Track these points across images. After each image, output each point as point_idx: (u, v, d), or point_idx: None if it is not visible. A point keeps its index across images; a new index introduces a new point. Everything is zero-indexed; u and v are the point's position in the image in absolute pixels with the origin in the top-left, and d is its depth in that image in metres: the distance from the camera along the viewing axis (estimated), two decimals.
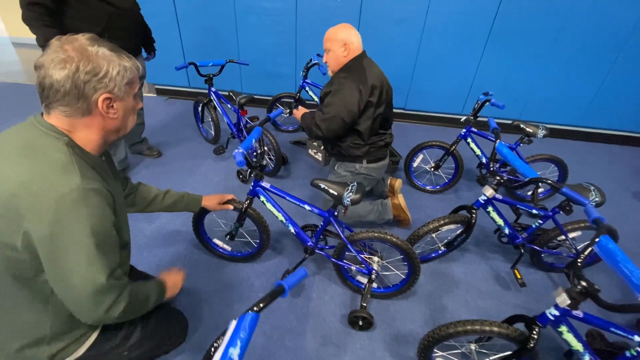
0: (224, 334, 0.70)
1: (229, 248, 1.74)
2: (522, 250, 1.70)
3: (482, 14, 2.98)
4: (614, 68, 3.05)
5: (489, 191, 1.48)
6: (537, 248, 1.70)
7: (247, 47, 3.43)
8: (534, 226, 1.68)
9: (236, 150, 1.21)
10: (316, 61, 2.79)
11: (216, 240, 1.73)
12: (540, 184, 1.33)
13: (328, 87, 1.69)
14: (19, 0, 1.57)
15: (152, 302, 0.97)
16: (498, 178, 1.45)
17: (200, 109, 2.79)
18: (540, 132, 2.06)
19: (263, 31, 3.30)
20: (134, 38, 2.06)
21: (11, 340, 0.83)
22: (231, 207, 1.49)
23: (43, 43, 1.59)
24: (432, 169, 2.39)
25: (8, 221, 0.69)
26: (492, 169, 1.50)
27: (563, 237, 1.64)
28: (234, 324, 0.69)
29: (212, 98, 2.61)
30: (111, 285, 0.77)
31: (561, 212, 1.56)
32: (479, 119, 2.21)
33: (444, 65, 3.27)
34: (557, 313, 1.02)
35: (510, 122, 2.12)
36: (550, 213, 1.59)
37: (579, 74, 3.11)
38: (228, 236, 1.64)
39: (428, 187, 2.43)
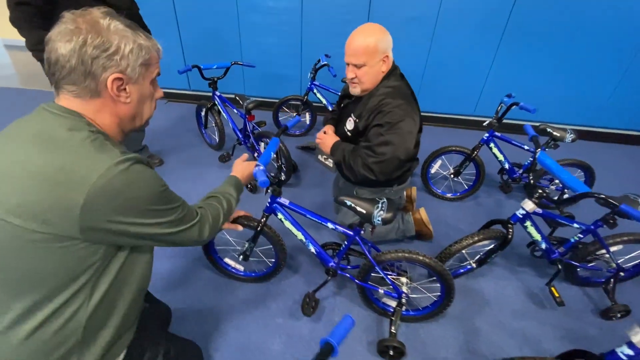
0: None
1: (241, 268, 1.59)
2: (560, 266, 1.57)
3: (496, 11, 2.85)
4: (632, 66, 2.93)
5: (529, 205, 1.35)
6: (574, 263, 1.58)
7: (250, 48, 3.29)
8: (572, 240, 1.55)
9: (256, 168, 1.07)
10: (325, 62, 2.65)
11: (227, 260, 1.59)
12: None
13: (372, 114, 1.34)
14: (6, 0, 1.43)
15: (236, 198, 1.08)
16: (540, 191, 1.31)
17: (203, 113, 2.64)
18: (569, 137, 1.94)
19: (267, 31, 3.16)
20: None
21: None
22: (240, 227, 1.34)
23: (32, 47, 1.45)
24: (452, 176, 2.26)
25: (59, 212, 0.61)
26: (531, 181, 1.36)
27: (603, 251, 1.52)
28: None
29: (216, 102, 2.46)
30: (184, 229, 0.82)
31: (604, 225, 1.44)
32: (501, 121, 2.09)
33: (456, 65, 3.14)
34: (631, 353, 0.89)
35: (539, 124, 1.99)
36: (592, 227, 1.46)
37: (596, 72, 2.99)
38: (241, 256, 1.50)
39: (448, 195, 2.30)
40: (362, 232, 1.29)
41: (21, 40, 5.14)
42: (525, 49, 2.98)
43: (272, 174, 1.25)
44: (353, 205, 1.19)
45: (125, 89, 0.71)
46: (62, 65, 0.64)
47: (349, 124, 1.50)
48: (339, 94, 1.79)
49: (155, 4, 3.08)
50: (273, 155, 1.21)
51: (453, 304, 1.56)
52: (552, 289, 1.58)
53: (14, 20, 1.45)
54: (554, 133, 1.94)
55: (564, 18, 2.78)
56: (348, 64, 1.38)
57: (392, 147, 1.28)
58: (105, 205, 0.63)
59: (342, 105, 1.68)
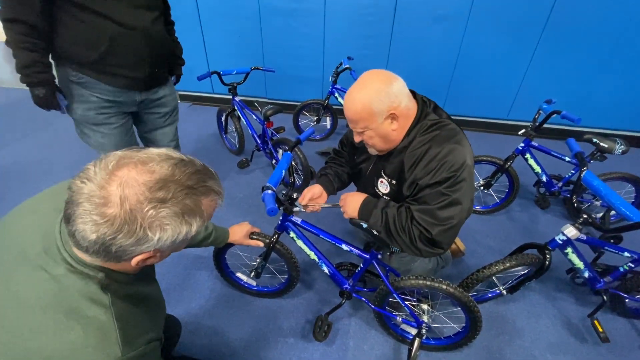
0: None
1: (254, 283, 1.55)
2: (605, 298, 1.40)
3: (535, 8, 2.62)
4: None
5: (571, 232, 1.19)
6: (623, 294, 1.39)
7: (272, 51, 3.25)
8: (622, 269, 1.37)
9: (265, 191, 1.00)
10: (347, 65, 2.55)
11: (240, 275, 1.54)
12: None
13: (419, 172, 1.00)
14: None
15: None
16: (585, 216, 1.16)
17: (224, 118, 2.63)
18: (618, 148, 1.72)
19: (289, 33, 3.10)
20: (152, 66, 1.45)
21: None
22: (261, 243, 1.30)
23: (21, 70, 1.20)
24: (482, 188, 2.10)
25: None
26: (575, 203, 1.21)
27: None
28: None
29: (235, 108, 2.44)
30: None
31: None
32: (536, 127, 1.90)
33: (489, 65, 2.94)
34: None
35: (581, 130, 1.79)
36: None
37: None
38: (253, 273, 1.45)
39: (477, 207, 2.14)
40: (379, 256, 1.20)
41: None
42: (566, 49, 2.72)
43: (284, 192, 1.18)
44: (370, 227, 1.09)
45: (149, 259, 0.59)
46: (77, 240, 0.52)
47: (382, 187, 1.17)
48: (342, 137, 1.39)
49: (179, 7, 3.11)
50: (284, 173, 1.14)
51: (479, 333, 1.44)
52: (596, 322, 1.41)
53: (7, 41, 1.19)
54: (601, 144, 1.74)
55: (609, 14, 2.52)
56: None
57: (459, 207, 0.97)
58: None
59: (357, 159, 1.30)
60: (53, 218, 0.60)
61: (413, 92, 1.07)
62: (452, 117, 1.08)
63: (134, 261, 0.56)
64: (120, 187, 0.49)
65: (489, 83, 3.02)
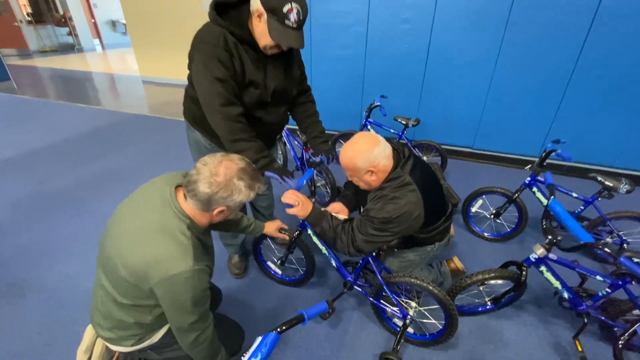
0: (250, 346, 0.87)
1: (279, 272, 1.94)
2: (586, 320, 1.53)
3: (564, 55, 2.81)
4: None
5: (539, 250, 1.40)
6: (607, 320, 1.51)
7: (319, 88, 3.79)
8: (600, 294, 1.50)
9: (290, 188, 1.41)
10: (378, 103, 2.96)
11: (269, 263, 1.95)
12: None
13: (375, 206, 1.33)
14: (218, 122, 1.31)
15: (222, 355, 1.19)
16: (550, 237, 1.37)
17: None
18: (623, 187, 1.84)
19: (334, 75, 3.63)
20: (269, 140, 1.71)
21: (110, 329, 1.11)
22: (287, 237, 1.68)
23: (255, 156, 1.35)
24: (492, 217, 2.29)
25: (142, 279, 0.95)
26: (544, 226, 1.42)
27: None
28: (259, 339, 0.85)
29: (282, 134, 2.96)
30: (196, 327, 1.03)
31: (635, 282, 1.38)
32: (545, 163, 2.08)
33: (519, 105, 3.13)
34: None
35: (608, 170, 1.95)
36: (620, 282, 1.42)
37: None
38: (279, 261, 1.84)
39: (486, 234, 2.32)
40: (373, 254, 1.52)
41: (155, 77, 6.49)
42: (599, 93, 2.85)
43: (309, 196, 1.58)
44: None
45: (222, 212, 1.02)
46: (195, 194, 0.96)
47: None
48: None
49: None
50: (305, 182, 1.55)
51: (466, 339, 1.65)
52: (577, 342, 1.53)
53: (231, 132, 1.32)
54: (606, 182, 1.88)
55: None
56: None
57: (385, 234, 1.32)
58: (165, 290, 0.94)
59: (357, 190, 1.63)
60: (165, 187, 1.07)
61: (394, 149, 1.41)
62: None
63: (215, 211, 1.00)
64: (224, 169, 0.96)
65: (519, 121, 3.20)
